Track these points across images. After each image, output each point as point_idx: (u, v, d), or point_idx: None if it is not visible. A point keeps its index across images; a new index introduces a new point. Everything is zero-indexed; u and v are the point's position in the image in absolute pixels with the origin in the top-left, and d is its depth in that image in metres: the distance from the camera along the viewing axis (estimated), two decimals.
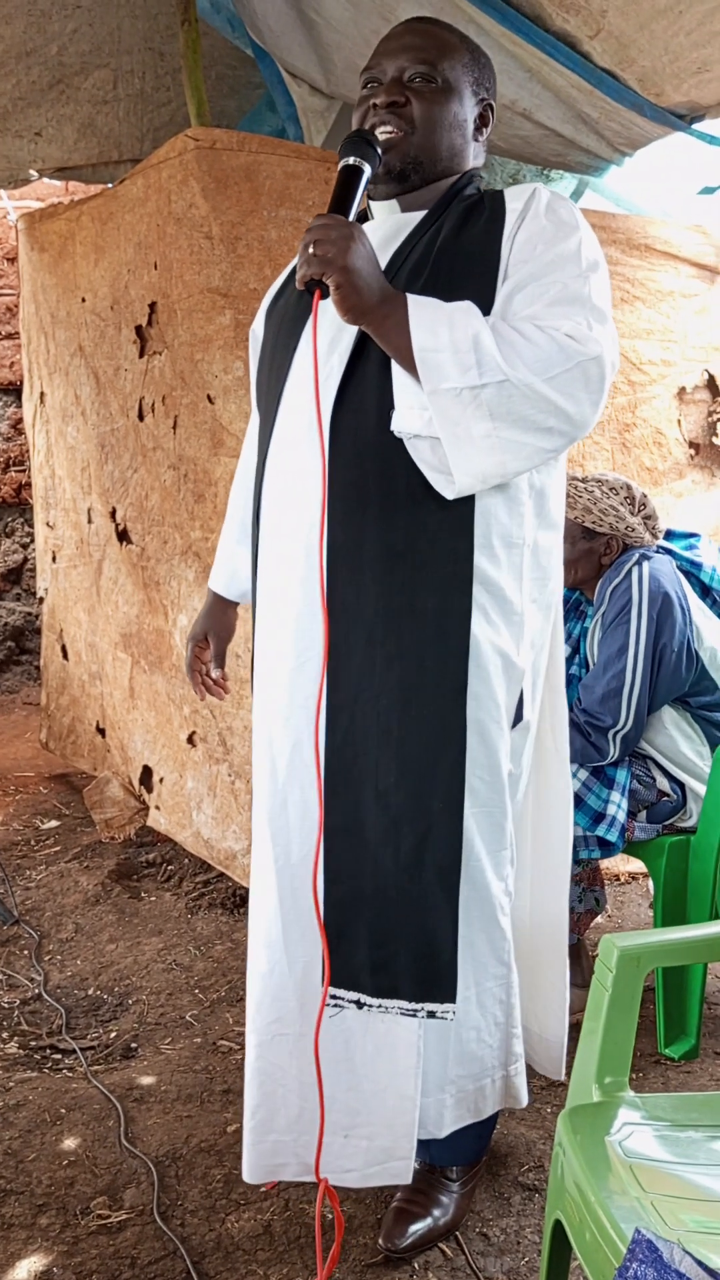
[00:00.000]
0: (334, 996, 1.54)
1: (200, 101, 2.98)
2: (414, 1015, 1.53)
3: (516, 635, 1.57)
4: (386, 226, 1.61)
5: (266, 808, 1.62)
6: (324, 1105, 1.51)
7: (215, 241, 2.76)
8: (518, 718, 1.62)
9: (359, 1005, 1.54)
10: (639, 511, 2.38)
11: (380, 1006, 1.53)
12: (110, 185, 3.70)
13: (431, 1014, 1.53)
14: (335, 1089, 1.58)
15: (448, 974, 1.52)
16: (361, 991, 1.54)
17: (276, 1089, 1.62)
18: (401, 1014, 1.53)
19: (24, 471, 5.76)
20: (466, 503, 1.48)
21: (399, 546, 1.49)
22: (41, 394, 3.99)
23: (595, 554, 2.40)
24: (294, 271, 1.61)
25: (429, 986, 1.52)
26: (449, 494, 1.45)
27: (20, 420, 5.74)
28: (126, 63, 3.45)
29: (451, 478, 1.43)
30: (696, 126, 3.00)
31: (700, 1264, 0.97)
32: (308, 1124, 1.61)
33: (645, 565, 2.30)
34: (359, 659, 1.51)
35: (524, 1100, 1.72)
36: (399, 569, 1.49)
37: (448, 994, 1.52)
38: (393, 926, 1.52)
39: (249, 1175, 1.65)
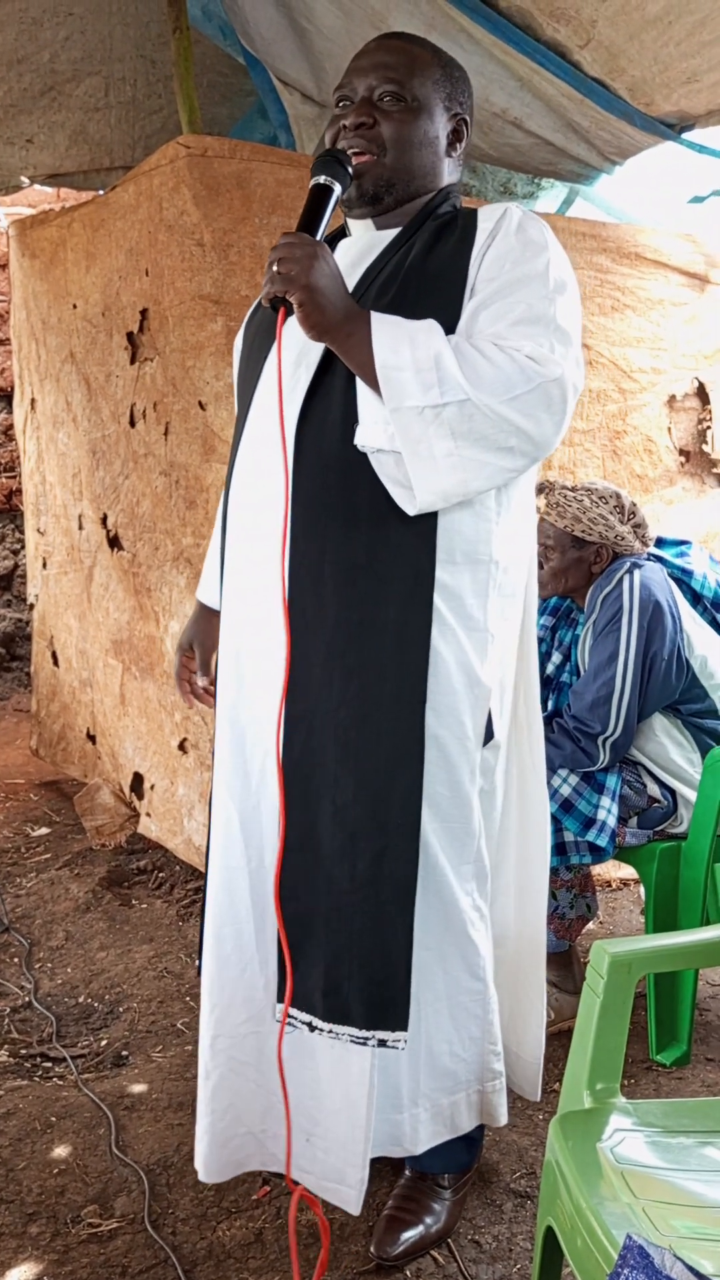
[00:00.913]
0: (290, 1016, 1.54)
1: (192, 109, 2.99)
2: (364, 1044, 1.51)
3: (481, 651, 1.56)
4: (360, 244, 1.62)
5: (238, 813, 1.61)
6: (289, 1112, 1.50)
7: (207, 249, 2.77)
8: (489, 735, 1.61)
9: (310, 1028, 1.53)
10: (628, 520, 2.39)
11: (331, 1032, 1.52)
12: (102, 192, 3.71)
13: (382, 1042, 1.50)
14: (300, 1094, 1.58)
15: (400, 1001, 1.50)
16: (314, 1014, 1.53)
17: (248, 1084, 1.63)
18: (352, 1041, 1.51)
19: (15, 478, 5.75)
20: (429, 518, 1.48)
21: (361, 560, 1.49)
22: (32, 400, 3.99)
23: (585, 562, 2.40)
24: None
25: (380, 1013, 1.50)
26: (411, 510, 1.45)
27: (11, 426, 5.74)
28: (118, 70, 3.46)
29: (413, 493, 1.44)
30: (686, 136, 3.03)
31: (691, 1269, 0.97)
32: (275, 1120, 1.62)
33: (636, 573, 2.31)
34: (319, 672, 1.51)
35: (503, 1120, 1.71)
36: (361, 582, 1.49)
37: (399, 1022, 1.50)
38: (346, 947, 1.51)
39: (211, 1174, 1.64)
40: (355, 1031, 1.51)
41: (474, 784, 1.58)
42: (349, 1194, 1.59)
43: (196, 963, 2.68)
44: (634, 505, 2.40)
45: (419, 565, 1.49)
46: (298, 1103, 1.58)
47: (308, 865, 1.52)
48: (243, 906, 1.61)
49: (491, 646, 1.58)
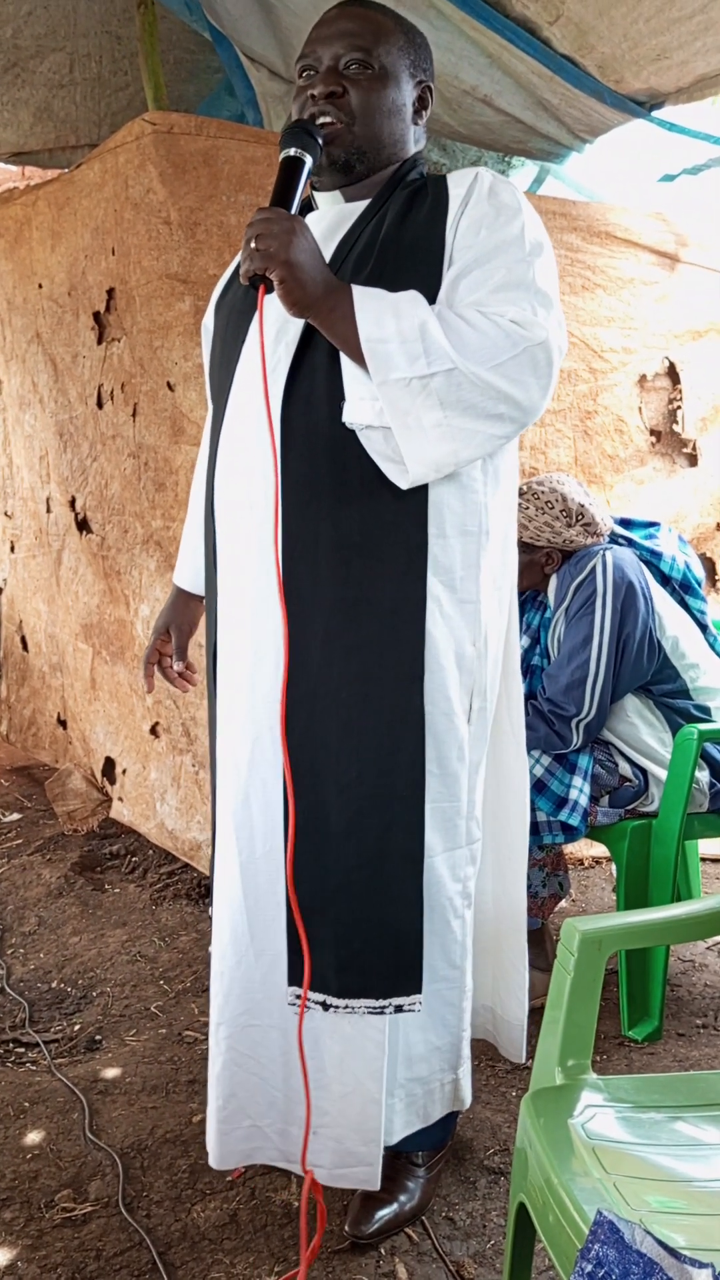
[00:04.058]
0: (299, 997, 1.54)
1: (158, 86, 2.95)
2: (381, 1012, 1.53)
3: (473, 625, 1.57)
4: (330, 217, 1.60)
5: (230, 803, 1.61)
6: (310, 1100, 1.51)
7: (174, 227, 2.74)
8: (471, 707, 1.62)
9: (325, 1007, 1.54)
10: (576, 522, 2.36)
11: (346, 1007, 1.53)
12: (67, 170, 3.66)
13: (399, 1008, 1.53)
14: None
15: (414, 964, 1.53)
16: (327, 993, 1.53)
17: (249, 1077, 1.61)
18: (369, 1012, 1.53)
19: None
20: (420, 493, 1.48)
21: (354, 538, 1.48)
22: None
23: (537, 565, 2.41)
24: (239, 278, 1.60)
25: (396, 980, 1.52)
26: (403, 484, 1.45)
27: None
28: (83, 46, 3.40)
29: (405, 468, 1.43)
30: (656, 113, 3.02)
31: (661, 1244, 0.98)
32: (290, 1114, 1.60)
33: (608, 556, 2.31)
34: (317, 653, 1.50)
35: (468, 1101, 1.73)
36: (355, 561, 1.49)
37: (414, 985, 1.53)
38: (358, 922, 1.52)
39: (218, 1161, 1.64)
40: (372, 1002, 1.52)
41: (462, 762, 1.58)
42: (367, 1172, 1.60)
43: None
44: (582, 507, 2.37)
45: (412, 540, 1.49)
46: (303, 1095, 1.57)
47: (314, 847, 1.52)
48: (236, 899, 1.60)
49: (481, 618, 1.59)
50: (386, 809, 1.51)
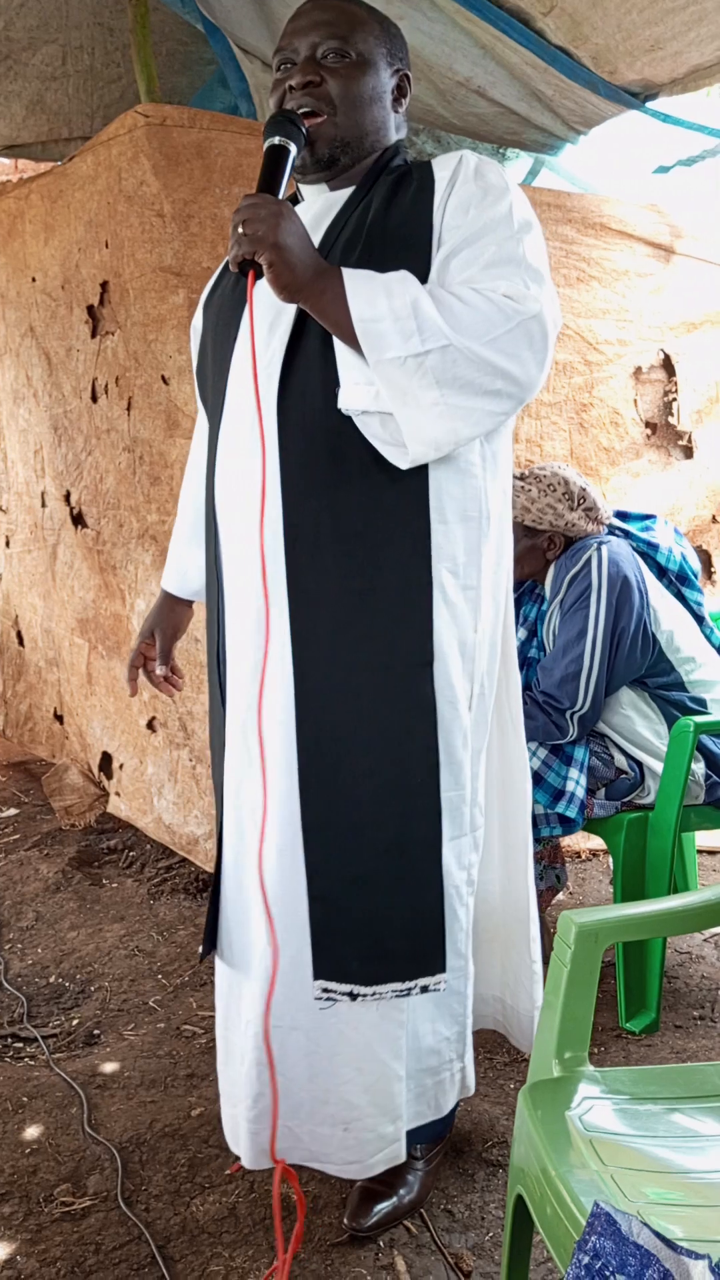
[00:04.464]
0: (326, 990, 1.54)
1: (150, 78, 2.94)
2: (407, 994, 1.54)
3: (474, 611, 1.57)
4: (316, 206, 1.60)
5: (246, 804, 1.60)
6: (276, 1089, 1.50)
7: (167, 219, 2.73)
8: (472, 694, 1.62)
9: (352, 997, 1.54)
10: (578, 506, 2.38)
11: (374, 995, 1.53)
12: (60, 163, 3.64)
13: (425, 988, 1.54)
14: (331, 1083, 1.58)
15: (437, 944, 1.54)
16: (354, 982, 1.53)
17: (276, 1077, 1.56)
18: (395, 995, 1.54)
19: None
20: (420, 479, 1.48)
21: (356, 526, 1.48)
22: None
23: (539, 550, 2.41)
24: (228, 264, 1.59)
25: (421, 961, 1.54)
26: (403, 464, 1.44)
27: None
28: (75, 38, 3.39)
29: (404, 449, 1.42)
30: (650, 105, 3.00)
31: (658, 1235, 0.98)
32: (316, 1114, 1.60)
33: (604, 549, 2.31)
34: (326, 645, 1.50)
35: (473, 1087, 1.74)
36: (358, 550, 1.48)
37: (439, 964, 1.54)
38: (381, 910, 1.52)
39: (253, 1162, 1.60)
40: (399, 985, 1.53)
41: (466, 749, 1.58)
42: (395, 1149, 1.61)
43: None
44: (583, 490, 2.39)
45: (414, 526, 1.49)
46: (330, 1094, 1.58)
47: (334, 839, 1.52)
48: (236, 904, 1.60)
49: (483, 603, 1.59)
50: (405, 798, 1.51)
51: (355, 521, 1.48)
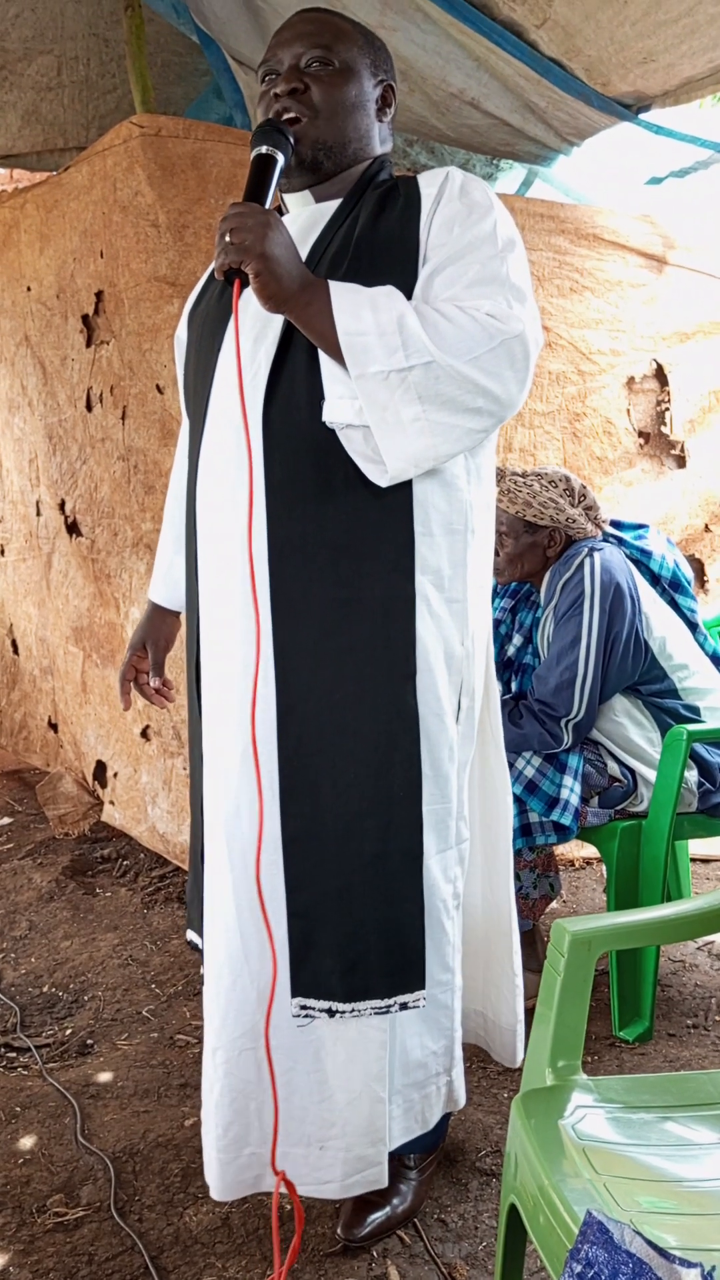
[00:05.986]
0: (305, 1007, 1.53)
1: (145, 88, 2.95)
2: (386, 1012, 1.53)
3: (460, 624, 1.57)
4: (303, 219, 1.60)
5: (221, 816, 1.58)
6: (278, 1108, 1.49)
7: (162, 229, 2.74)
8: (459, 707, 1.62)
9: (330, 1014, 1.53)
10: (579, 502, 2.40)
11: (353, 1011, 1.52)
12: (55, 173, 3.65)
13: (404, 1005, 1.53)
14: (308, 1101, 1.56)
15: (417, 961, 1.53)
16: (333, 999, 1.52)
17: (249, 1104, 1.57)
18: (374, 1013, 1.52)
19: None
20: (405, 492, 1.48)
21: (341, 539, 1.48)
22: None
23: (539, 547, 2.42)
24: (214, 273, 1.59)
25: (400, 978, 1.52)
26: (382, 482, 1.44)
27: None
28: (70, 49, 3.40)
29: (383, 465, 1.43)
30: (643, 116, 3.02)
31: (651, 1244, 0.98)
32: (291, 1135, 1.57)
33: (596, 556, 2.32)
34: (309, 657, 1.50)
35: (463, 1101, 1.72)
36: (343, 562, 1.48)
37: (418, 982, 1.53)
38: (360, 924, 1.51)
39: (220, 1193, 1.59)
40: (377, 1002, 1.52)
41: (452, 762, 1.58)
42: (376, 1172, 1.59)
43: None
44: (584, 488, 2.42)
45: (398, 539, 1.49)
46: (307, 1112, 1.56)
47: (312, 853, 1.51)
48: (230, 915, 1.57)
49: (469, 617, 1.59)
50: (385, 810, 1.50)
51: (340, 533, 1.48)
